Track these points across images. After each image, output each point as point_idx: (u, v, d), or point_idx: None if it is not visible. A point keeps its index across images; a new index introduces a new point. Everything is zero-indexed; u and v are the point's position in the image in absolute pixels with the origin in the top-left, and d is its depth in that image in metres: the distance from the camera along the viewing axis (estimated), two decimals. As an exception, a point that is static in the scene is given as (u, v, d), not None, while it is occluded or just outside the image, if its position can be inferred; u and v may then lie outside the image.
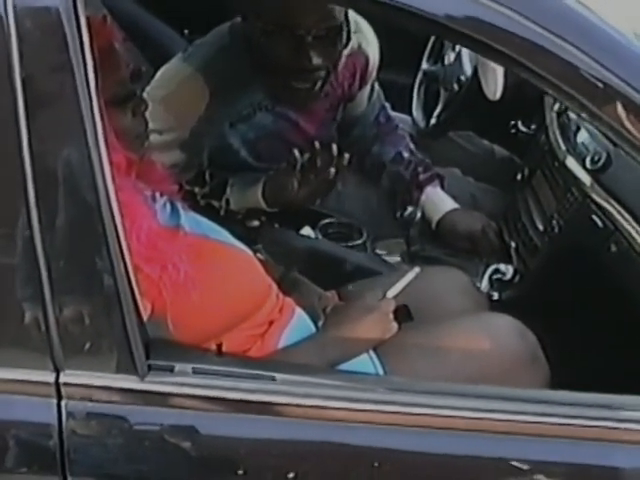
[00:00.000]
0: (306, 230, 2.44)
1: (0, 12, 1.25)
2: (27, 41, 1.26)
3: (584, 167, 2.19)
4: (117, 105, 1.53)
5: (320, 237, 2.45)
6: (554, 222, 2.29)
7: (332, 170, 2.19)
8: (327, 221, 2.48)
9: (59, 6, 1.26)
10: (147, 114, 1.61)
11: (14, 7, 1.25)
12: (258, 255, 1.93)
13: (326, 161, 2.21)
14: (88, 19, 1.29)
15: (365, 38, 2.47)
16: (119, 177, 1.37)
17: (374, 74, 2.56)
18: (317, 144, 2.23)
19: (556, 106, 2.45)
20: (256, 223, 2.38)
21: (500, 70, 2.44)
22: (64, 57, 1.26)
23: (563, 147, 2.33)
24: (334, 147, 2.21)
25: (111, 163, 1.31)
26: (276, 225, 2.41)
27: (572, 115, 2.34)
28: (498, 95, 2.49)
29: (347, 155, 2.22)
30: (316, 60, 2.19)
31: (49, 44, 1.27)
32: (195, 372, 1.37)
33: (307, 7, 2.15)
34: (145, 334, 1.37)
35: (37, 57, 1.27)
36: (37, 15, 1.26)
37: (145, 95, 1.63)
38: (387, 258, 2.47)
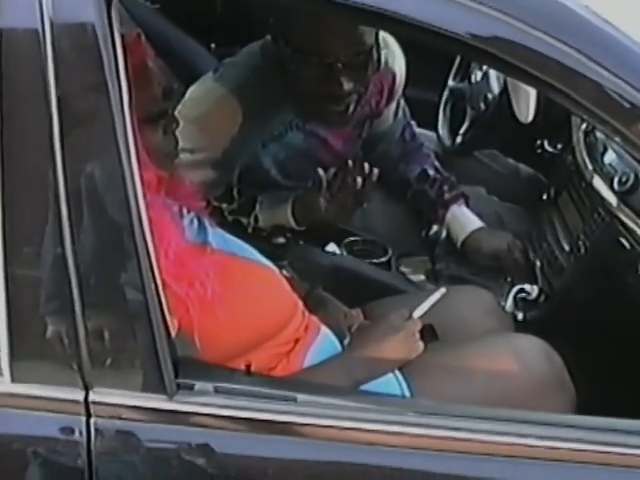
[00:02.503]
0: (331, 247, 2.44)
1: (37, 28, 1.26)
2: (63, 57, 1.26)
3: (611, 188, 2.17)
4: (149, 123, 1.53)
5: (345, 254, 2.44)
6: (580, 242, 2.27)
7: (359, 182, 2.19)
8: (352, 238, 2.47)
9: (95, 22, 1.26)
10: (178, 133, 1.61)
11: (51, 23, 1.26)
12: (284, 272, 1.93)
13: (356, 178, 2.21)
14: (123, 36, 1.30)
15: (392, 54, 2.45)
16: (149, 194, 1.37)
17: (400, 90, 2.55)
18: (350, 163, 2.22)
19: (583, 126, 2.44)
20: (282, 240, 2.38)
21: (532, 93, 2.43)
22: (99, 74, 1.27)
23: (590, 167, 2.31)
24: (366, 165, 2.21)
25: (142, 181, 1.32)
26: (301, 242, 2.40)
27: (599, 135, 2.33)
28: (530, 118, 2.48)
29: (376, 171, 2.22)
30: (347, 85, 2.16)
31: (85, 60, 1.28)
32: (217, 391, 1.37)
33: (334, 34, 2.10)
34: (174, 352, 1.37)
35: (72, 74, 1.28)
36: (73, 31, 1.27)
37: (177, 114, 1.64)
38: (412, 276, 2.47)
